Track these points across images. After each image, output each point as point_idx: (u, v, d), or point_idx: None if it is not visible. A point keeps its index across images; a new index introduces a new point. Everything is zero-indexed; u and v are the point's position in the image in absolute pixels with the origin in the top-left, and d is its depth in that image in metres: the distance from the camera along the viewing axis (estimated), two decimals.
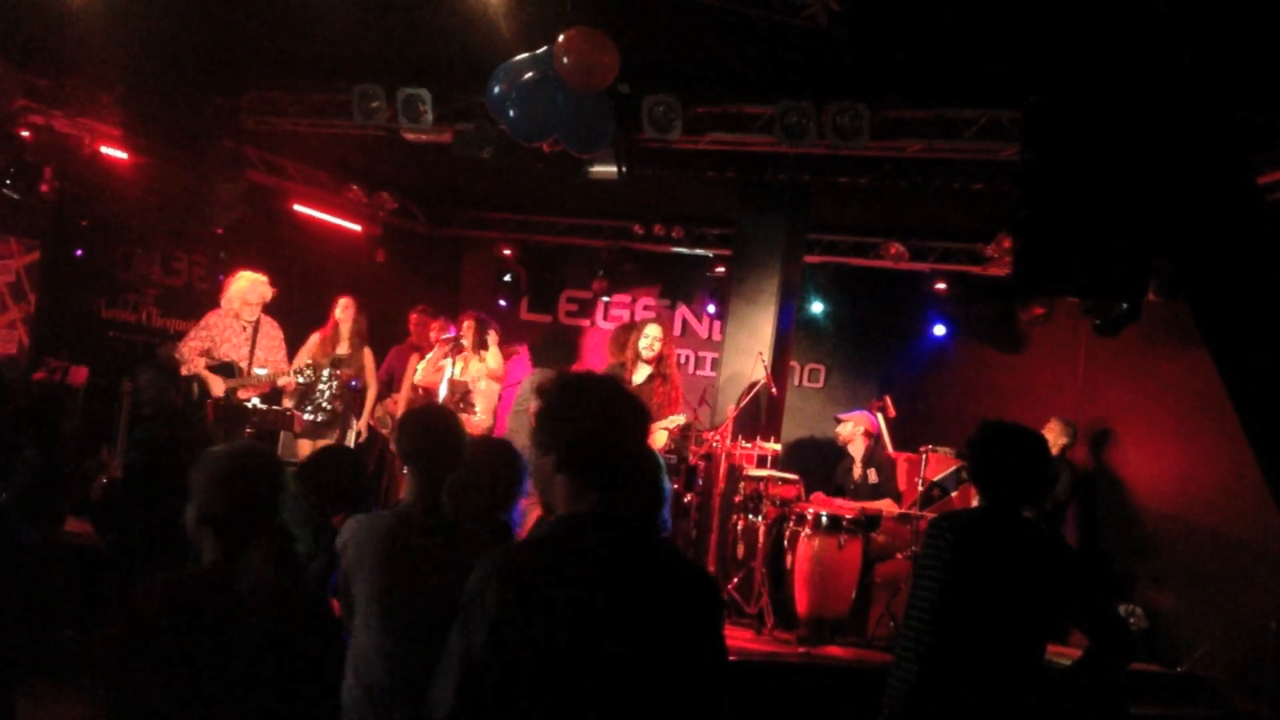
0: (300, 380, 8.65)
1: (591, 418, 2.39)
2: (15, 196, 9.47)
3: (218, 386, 8.21)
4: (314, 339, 9.09)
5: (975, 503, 8.05)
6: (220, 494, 2.88)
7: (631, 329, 8.87)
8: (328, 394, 8.79)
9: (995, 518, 3.78)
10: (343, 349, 9.02)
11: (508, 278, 12.52)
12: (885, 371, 11.52)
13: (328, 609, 3.11)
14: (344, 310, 9.11)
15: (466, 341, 8.64)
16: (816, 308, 11.47)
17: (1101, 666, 3.75)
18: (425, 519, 3.49)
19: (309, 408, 8.74)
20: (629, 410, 2.44)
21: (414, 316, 10.42)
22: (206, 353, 8.31)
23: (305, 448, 8.61)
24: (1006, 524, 3.76)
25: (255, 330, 8.51)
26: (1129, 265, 5.93)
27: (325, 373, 8.76)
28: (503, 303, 12.69)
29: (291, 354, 8.88)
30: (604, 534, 2.34)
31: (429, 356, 8.94)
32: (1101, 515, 9.82)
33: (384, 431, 9.53)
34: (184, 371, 8.20)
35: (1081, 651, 3.78)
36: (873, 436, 8.95)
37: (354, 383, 9.05)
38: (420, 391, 9.06)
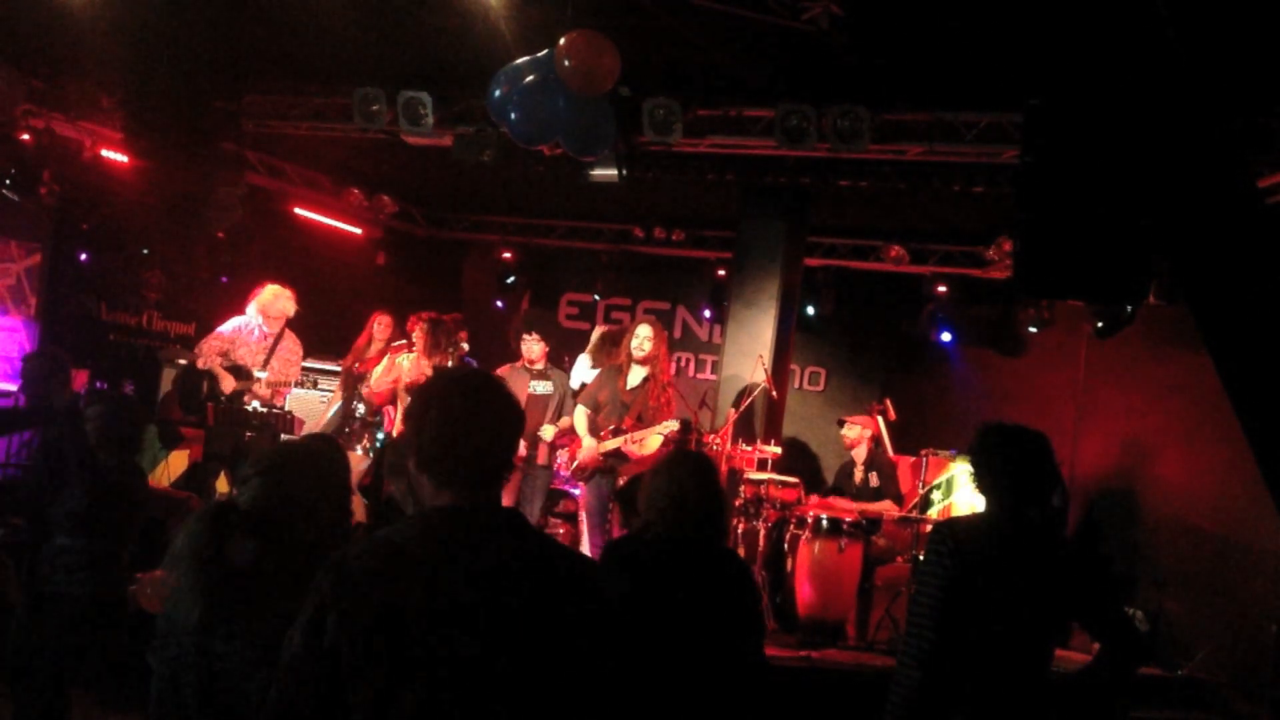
0: (302, 391, 8.70)
1: (449, 416, 2.28)
2: (15, 198, 9.47)
3: (228, 384, 8.31)
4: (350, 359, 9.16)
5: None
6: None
7: (617, 335, 8.88)
8: (359, 411, 8.83)
9: (997, 522, 3.76)
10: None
11: (510, 279, 12.52)
12: (886, 374, 11.52)
13: None
14: (381, 329, 9.13)
15: (418, 345, 8.61)
16: (816, 310, 11.46)
17: (1114, 669, 3.74)
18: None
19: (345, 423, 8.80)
20: (494, 407, 2.33)
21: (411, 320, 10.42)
22: (224, 354, 8.41)
23: None
24: (1008, 528, 3.74)
25: (275, 342, 8.58)
26: (1129, 268, 5.93)
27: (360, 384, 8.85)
28: (500, 304, 12.69)
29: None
30: (450, 526, 2.23)
31: (382, 364, 8.91)
32: (1101, 519, 9.81)
33: None
34: (200, 365, 8.39)
35: (1092, 655, 3.76)
36: (874, 440, 8.95)
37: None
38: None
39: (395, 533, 2.23)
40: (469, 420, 2.29)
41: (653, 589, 3.67)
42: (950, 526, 3.82)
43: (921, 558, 3.83)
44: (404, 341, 8.80)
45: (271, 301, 8.58)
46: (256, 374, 8.44)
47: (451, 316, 8.99)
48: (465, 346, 8.76)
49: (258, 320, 8.56)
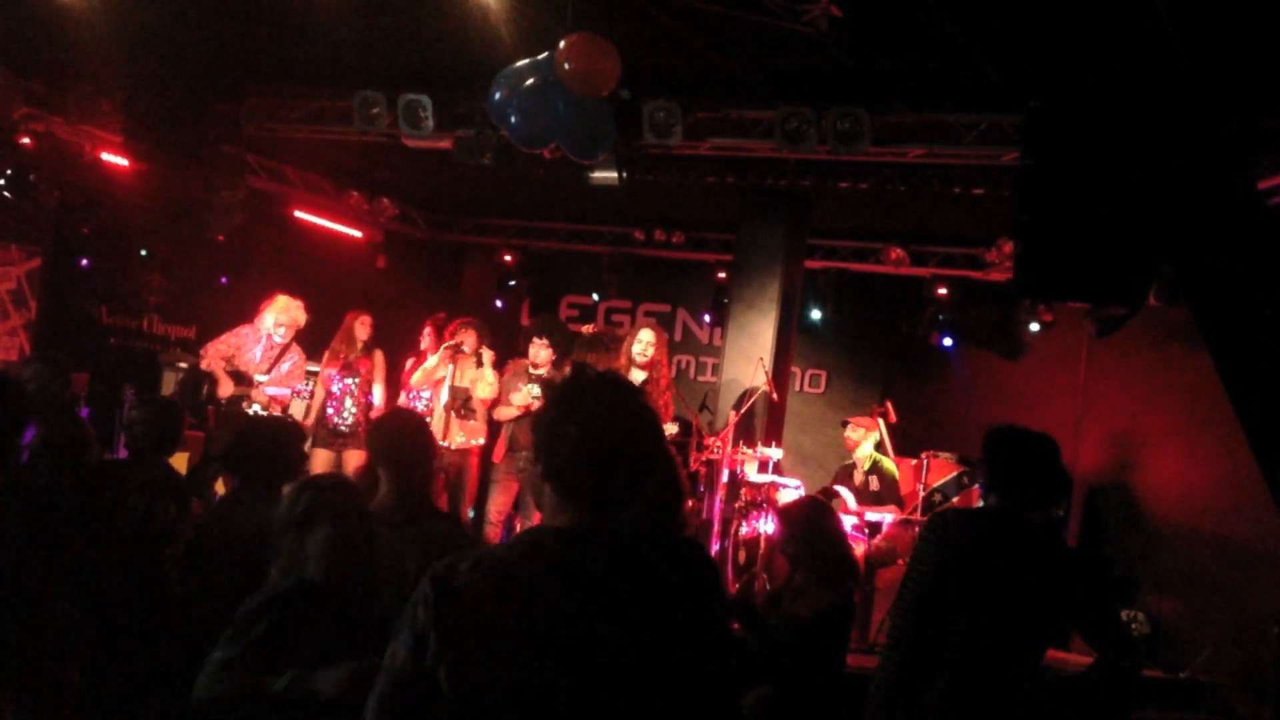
0: (300, 398, 8.72)
1: (586, 425, 2.12)
2: (11, 196, 9.47)
3: (226, 387, 8.32)
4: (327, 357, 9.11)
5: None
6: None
7: (602, 338, 8.86)
8: (349, 405, 8.77)
9: (996, 518, 3.77)
10: (355, 359, 8.96)
11: (512, 283, 12.52)
12: (886, 377, 11.51)
13: None
14: (361, 327, 9.10)
15: (467, 348, 8.61)
16: (817, 313, 11.46)
17: (1110, 677, 3.74)
18: (395, 514, 3.73)
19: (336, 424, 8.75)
20: (631, 419, 2.16)
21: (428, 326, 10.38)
22: (228, 359, 8.43)
23: (321, 457, 8.57)
24: (1007, 524, 3.74)
25: (281, 353, 8.59)
26: (1130, 270, 5.93)
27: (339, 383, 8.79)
28: (499, 303, 12.69)
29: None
30: (566, 551, 2.08)
31: (426, 364, 8.89)
32: (1103, 520, 9.81)
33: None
34: (203, 366, 8.45)
35: (1090, 661, 3.76)
36: (876, 446, 8.95)
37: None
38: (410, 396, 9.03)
39: (506, 550, 2.15)
40: (606, 431, 2.12)
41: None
42: (944, 516, 3.84)
43: (914, 547, 3.82)
44: (450, 343, 8.76)
45: (281, 311, 8.59)
46: (257, 378, 8.45)
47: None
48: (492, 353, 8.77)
49: (269, 330, 8.57)
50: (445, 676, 1.98)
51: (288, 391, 8.66)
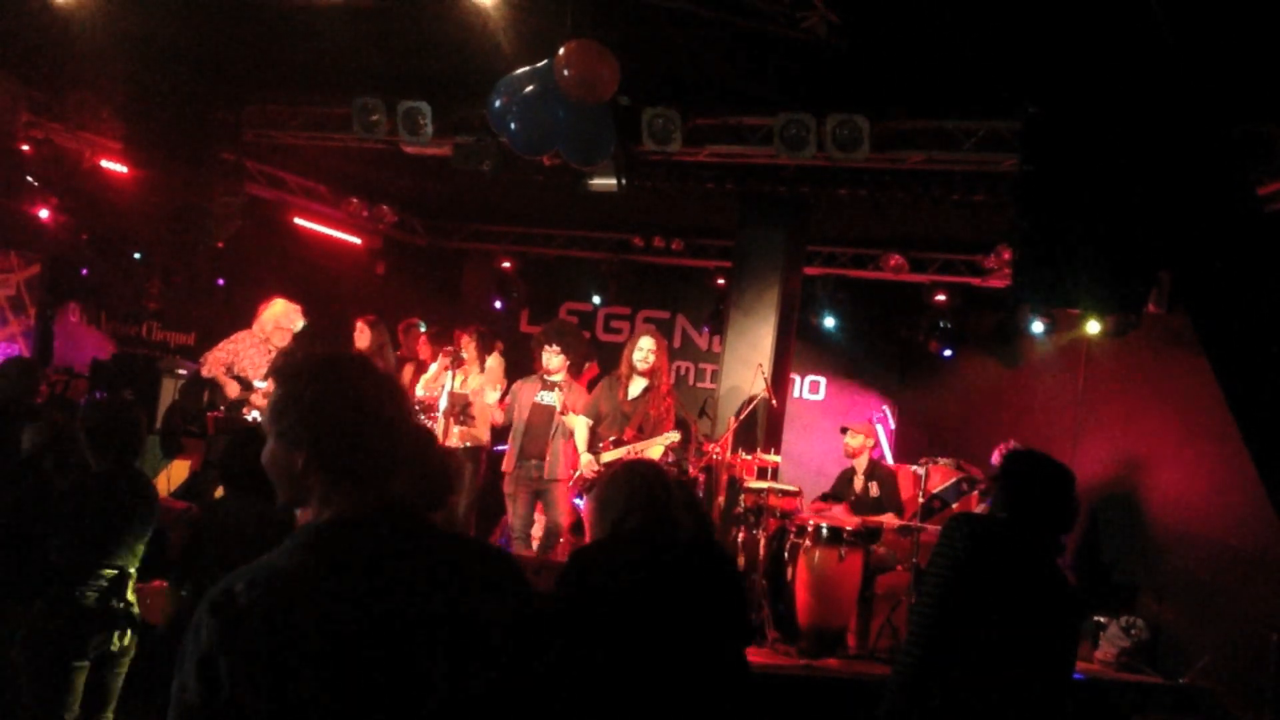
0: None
1: (346, 404, 2.02)
2: (11, 202, 9.50)
3: (232, 390, 8.33)
4: None
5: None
6: None
7: (567, 325, 8.87)
8: None
9: (1014, 530, 3.80)
10: None
11: (515, 295, 12.53)
12: (885, 383, 11.52)
13: None
14: (360, 334, 9.08)
15: (467, 355, 8.61)
16: (817, 320, 11.47)
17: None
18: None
19: None
20: (383, 392, 2.08)
21: (400, 328, 10.41)
22: (229, 366, 8.43)
23: None
24: (1023, 540, 3.78)
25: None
26: (1129, 276, 5.94)
27: None
28: (500, 303, 12.70)
29: None
30: (343, 541, 1.97)
31: (430, 371, 8.90)
32: (1102, 527, 9.80)
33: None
34: (204, 374, 8.43)
35: (1092, 662, 3.78)
36: (874, 449, 8.95)
37: None
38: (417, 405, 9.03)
39: (281, 556, 1.96)
40: (338, 401, 2.03)
41: (610, 592, 3.67)
42: (967, 517, 3.87)
43: (936, 544, 3.85)
44: (450, 349, 8.77)
45: (281, 314, 8.59)
46: (256, 384, 8.46)
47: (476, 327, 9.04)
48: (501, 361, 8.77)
49: (268, 333, 8.55)
50: (247, 696, 1.82)
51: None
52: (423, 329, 10.16)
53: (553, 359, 8.40)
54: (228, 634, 1.84)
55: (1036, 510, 3.79)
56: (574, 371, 8.61)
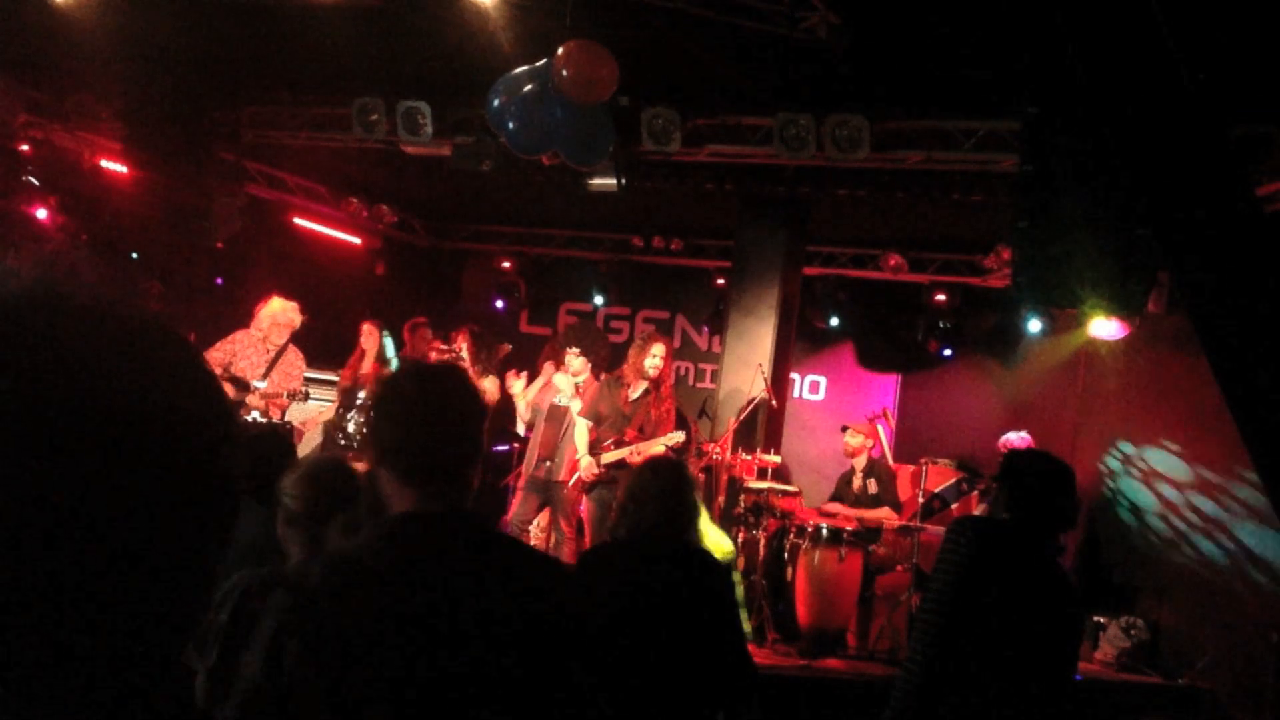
0: (293, 401, 8.67)
1: (407, 410, 2.18)
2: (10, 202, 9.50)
3: (228, 390, 8.25)
4: (345, 372, 9.04)
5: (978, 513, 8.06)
6: None
7: (590, 327, 8.85)
8: (354, 415, 8.75)
9: (1019, 531, 3.80)
10: (365, 370, 8.91)
11: (517, 294, 12.53)
12: (885, 383, 11.52)
13: None
14: (367, 336, 9.05)
15: (465, 356, 8.60)
16: (816, 320, 11.47)
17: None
18: None
19: (340, 436, 8.71)
20: (450, 401, 2.21)
21: (406, 327, 10.39)
22: (225, 366, 8.38)
23: None
24: (1028, 541, 3.78)
25: (278, 355, 8.55)
26: (1128, 276, 5.94)
27: (355, 394, 8.76)
28: (500, 304, 12.71)
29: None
30: (412, 534, 2.12)
31: None
32: (1101, 527, 9.80)
33: None
34: None
35: (1092, 662, 3.79)
36: (874, 449, 8.95)
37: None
38: None
39: (356, 547, 2.13)
40: (420, 409, 2.18)
41: (620, 593, 3.68)
42: (972, 521, 3.88)
43: (940, 547, 3.85)
44: (447, 349, 8.77)
45: (279, 313, 8.53)
46: (255, 385, 8.41)
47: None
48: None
49: (265, 332, 8.52)
50: (313, 678, 1.94)
51: (284, 395, 8.58)
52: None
53: (574, 361, 8.43)
54: (299, 613, 1.97)
55: (1040, 510, 3.79)
56: (596, 374, 8.61)
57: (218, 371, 8.28)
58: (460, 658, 2.01)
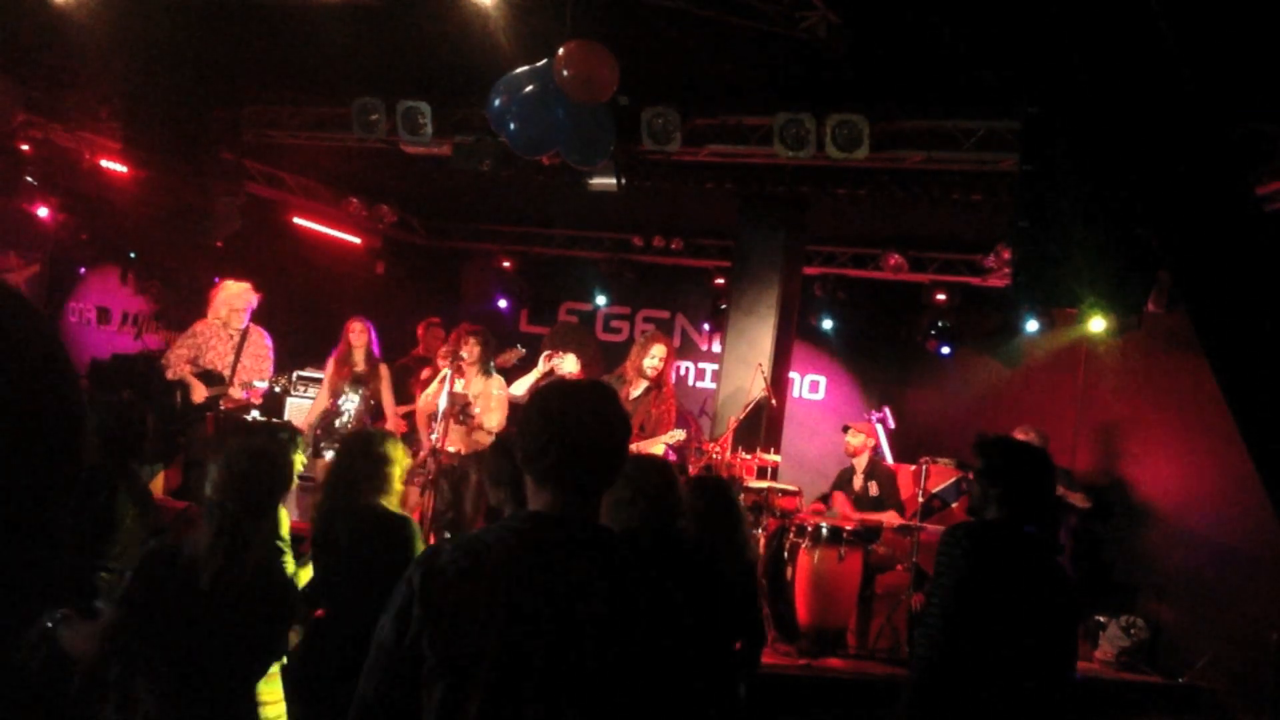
0: (276, 390, 8.62)
1: (549, 412, 2.36)
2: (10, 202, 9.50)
3: (199, 392, 8.16)
4: (330, 366, 8.98)
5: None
6: None
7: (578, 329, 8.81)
8: (348, 416, 8.71)
9: (1011, 531, 3.80)
10: (357, 368, 8.87)
11: (520, 294, 12.55)
12: (885, 383, 11.52)
13: None
14: (357, 335, 9.00)
15: (466, 356, 8.59)
16: (816, 319, 11.47)
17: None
18: None
19: (334, 433, 8.66)
20: (595, 409, 2.38)
21: (421, 326, 10.38)
22: (193, 360, 8.28)
23: (324, 465, 8.53)
24: (1016, 539, 3.78)
25: (242, 340, 8.45)
26: (1128, 277, 5.94)
27: (346, 394, 8.72)
28: (503, 303, 12.71)
29: (294, 366, 8.85)
30: (537, 530, 2.29)
31: (430, 389, 8.86)
32: (1102, 527, 9.81)
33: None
34: (170, 376, 8.21)
35: (1092, 661, 3.80)
36: (874, 449, 8.95)
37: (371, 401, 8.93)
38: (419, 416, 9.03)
39: (488, 533, 2.32)
40: (574, 417, 2.34)
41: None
42: (966, 527, 3.86)
43: (936, 558, 3.86)
44: (450, 350, 8.73)
45: (234, 297, 8.39)
46: (256, 384, 8.36)
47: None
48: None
49: (223, 318, 8.41)
50: (428, 646, 2.16)
51: (265, 384, 8.46)
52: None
53: (566, 363, 8.43)
54: (425, 585, 2.19)
55: (1028, 504, 3.79)
56: (587, 370, 8.60)
57: (185, 369, 8.17)
58: (557, 647, 2.17)
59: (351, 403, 8.73)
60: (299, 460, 4.96)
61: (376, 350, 8.96)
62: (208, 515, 3.63)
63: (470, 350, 8.43)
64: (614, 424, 2.38)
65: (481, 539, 2.29)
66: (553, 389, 2.48)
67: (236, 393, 8.28)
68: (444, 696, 2.15)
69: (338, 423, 8.66)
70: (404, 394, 9.52)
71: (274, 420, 8.57)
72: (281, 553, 4.54)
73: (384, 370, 8.96)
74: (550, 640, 2.17)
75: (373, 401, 8.84)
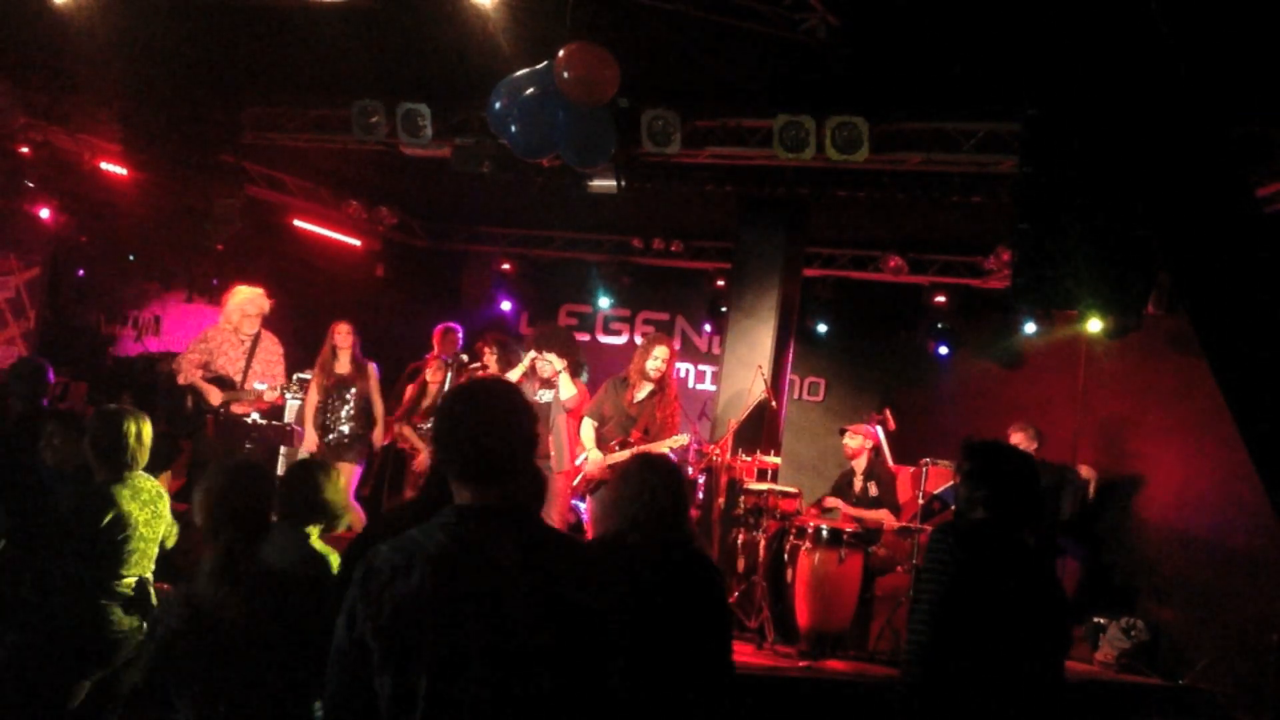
0: (289, 396, 8.61)
1: (453, 417, 2.55)
2: (10, 204, 9.49)
3: (215, 396, 8.14)
4: (316, 369, 8.95)
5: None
6: None
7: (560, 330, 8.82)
8: (344, 415, 8.69)
9: (998, 531, 3.79)
10: (342, 370, 8.83)
11: (515, 301, 12.57)
12: (885, 384, 11.52)
13: None
14: (342, 337, 8.96)
15: (490, 368, 8.56)
16: (816, 321, 11.47)
17: None
18: None
19: (329, 434, 8.65)
20: (491, 408, 2.55)
21: (438, 332, 10.35)
22: (204, 366, 8.26)
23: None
24: (1008, 540, 3.78)
25: (254, 345, 8.44)
26: (1128, 278, 5.94)
27: (339, 394, 8.69)
28: (507, 305, 12.71)
29: (293, 369, 8.82)
30: (461, 521, 2.44)
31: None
32: (1102, 528, 9.81)
33: (404, 446, 9.39)
34: (181, 382, 8.19)
35: (1092, 663, 3.80)
36: (874, 450, 8.94)
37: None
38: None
39: (420, 530, 2.45)
40: (468, 420, 2.52)
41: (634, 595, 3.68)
42: (953, 528, 3.85)
43: (924, 557, 3.85)
44: (477, 365, 8.72)
45: (246, 302, 8.38)
46: (257, 385, 8.32)
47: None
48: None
49: (235, 324, 8.41)
50: (372, 639, 2.33)
51: (277, 390, 8.44)
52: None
53: (551, 365, 8.41)
54: (365, 583, 2.37)
55: (1014, 507, 3.79)
56: (574, 371, 8.57)
57: (196, 375, 8.14)
58: (497, 633, 2.33)
59: (345, 404, 8.69)
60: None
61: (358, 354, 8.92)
62: (205, 542, 3.63)
63: (489, 360, 8.45)
64: (510, 419, 2.55)
65: (413, 537, 2.44)
66: (454, 395, 2.64)
67: (248, 398, 8.25)
68: (394, 684, 2.31)
69: (329, 420, 8.64)
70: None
71: (273, 422, 8.56)
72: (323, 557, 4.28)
73: (372, 370, 8.94)
74: (483, 623, 2.33)
75: (363, 400, 8.79)
